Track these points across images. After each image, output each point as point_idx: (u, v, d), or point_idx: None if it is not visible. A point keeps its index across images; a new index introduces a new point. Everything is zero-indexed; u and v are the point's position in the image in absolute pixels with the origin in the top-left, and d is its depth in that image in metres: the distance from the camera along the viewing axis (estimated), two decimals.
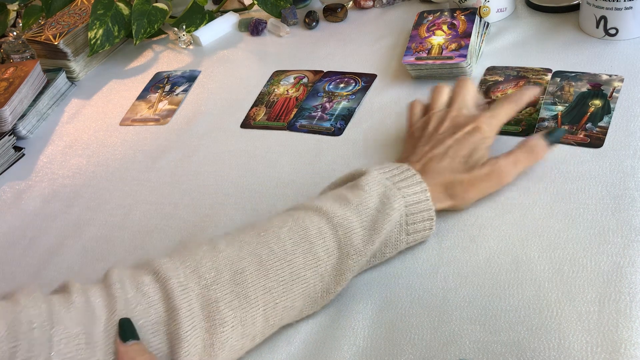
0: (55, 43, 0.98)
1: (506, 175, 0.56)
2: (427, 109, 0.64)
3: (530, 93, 0.62)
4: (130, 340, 0.43)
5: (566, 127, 0.62)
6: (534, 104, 0.66)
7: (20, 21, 1.15)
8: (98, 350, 0.44)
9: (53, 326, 0.43)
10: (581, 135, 0.61)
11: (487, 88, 0.70)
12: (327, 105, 0.77)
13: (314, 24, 0.95)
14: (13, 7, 1.16)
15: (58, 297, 0.46)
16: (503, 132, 0.63)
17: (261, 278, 0.48)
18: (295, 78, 0.85)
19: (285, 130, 0.76)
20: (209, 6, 1.10)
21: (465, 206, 0.57)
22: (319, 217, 0.51)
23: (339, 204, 0.52)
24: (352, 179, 0.56)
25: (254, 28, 0.99)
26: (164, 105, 0.89)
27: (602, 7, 0.69)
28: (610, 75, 0.66)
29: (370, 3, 0.95)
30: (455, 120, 0.59)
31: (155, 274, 0.47)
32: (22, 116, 0.93)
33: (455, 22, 0.76)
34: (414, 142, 0.61)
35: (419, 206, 0.53)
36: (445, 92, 0.63)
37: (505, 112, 0.60)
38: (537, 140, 0.57)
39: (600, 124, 0.61)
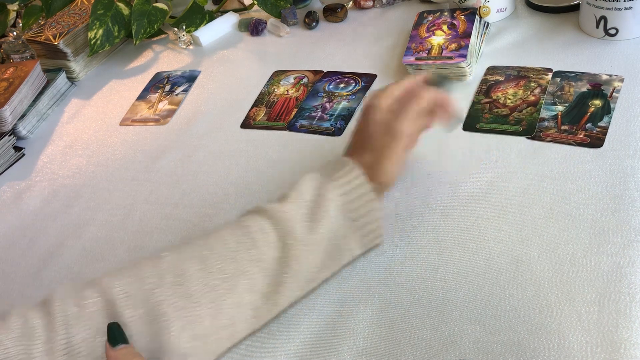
0: (55, 43, 0.98)
1: (400, 132, 0.55)
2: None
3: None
4: (120, 344, 0.43)
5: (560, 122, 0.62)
6: (535, 104, 0.66)
7: (20, 21, 1.15)
8: None
9: None
10: (581, 135, 0.61)
11: (488, 87, 0.70)
12: (327, 105, 0.77)
13: (314, 24, 0.95)
14: (13, 7, 1.16)
15: None
16: (505, 132, 0.64)
17: (205, 277, 0.49)
18: (295, 78, 0.85)
19: (285, 130, 0.76)
20: (209, 6, 1.10)
21: (392, 180, 0.56)
22: (260, 216, 0.53)
23: (278, 202, 0.54)
24: None
25: (254, 28, 0.99)
26: (164, 105, 0.89)
27: (602, 7, 0.69)
28: (610, 75, 0.66)
29: (370, 3, 0.95)
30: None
31: (97, 286, 0.48)
32: (22, 116, 0.93)
33: (455, 22, 0.76)
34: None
35: (358, 191, 0.54)
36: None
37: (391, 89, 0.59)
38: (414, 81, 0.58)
39: (600, 124, 0.61)
